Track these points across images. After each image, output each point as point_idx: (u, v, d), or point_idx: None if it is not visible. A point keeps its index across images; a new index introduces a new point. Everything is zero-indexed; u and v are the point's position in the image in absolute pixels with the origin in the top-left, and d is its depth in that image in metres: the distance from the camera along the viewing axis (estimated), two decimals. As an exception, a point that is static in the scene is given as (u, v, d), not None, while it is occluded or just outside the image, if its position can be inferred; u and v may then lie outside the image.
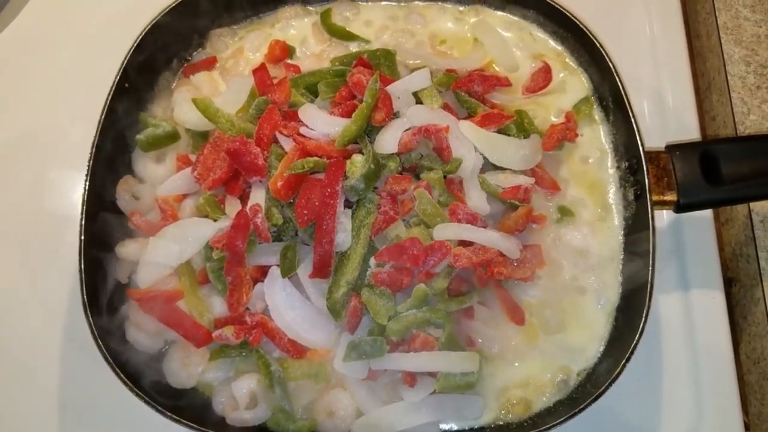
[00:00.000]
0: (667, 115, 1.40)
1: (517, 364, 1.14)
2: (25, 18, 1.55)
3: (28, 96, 1.47)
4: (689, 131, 1.39)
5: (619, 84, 1.20)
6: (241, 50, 1.36)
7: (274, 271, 1.09)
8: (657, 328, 1.23)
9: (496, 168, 1.18)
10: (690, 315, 1.25)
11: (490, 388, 1.12)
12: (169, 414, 1.01)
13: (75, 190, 1.37)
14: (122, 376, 1.03)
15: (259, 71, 1.23)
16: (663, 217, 1.31)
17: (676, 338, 1.24)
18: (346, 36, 1.36)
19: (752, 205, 1.32)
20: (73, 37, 1.52)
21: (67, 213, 1.35)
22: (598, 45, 1.25)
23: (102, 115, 1.19)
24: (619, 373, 1.03)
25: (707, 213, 1.33)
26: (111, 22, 1.50)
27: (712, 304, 1.26)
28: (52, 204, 1.38)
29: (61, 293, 1.29)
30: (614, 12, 1.49)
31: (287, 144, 1.13)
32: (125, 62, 1.23)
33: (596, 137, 1.28)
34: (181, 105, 1.26)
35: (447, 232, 1.09)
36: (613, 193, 1.24)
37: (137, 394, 1.02)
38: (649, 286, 1.07)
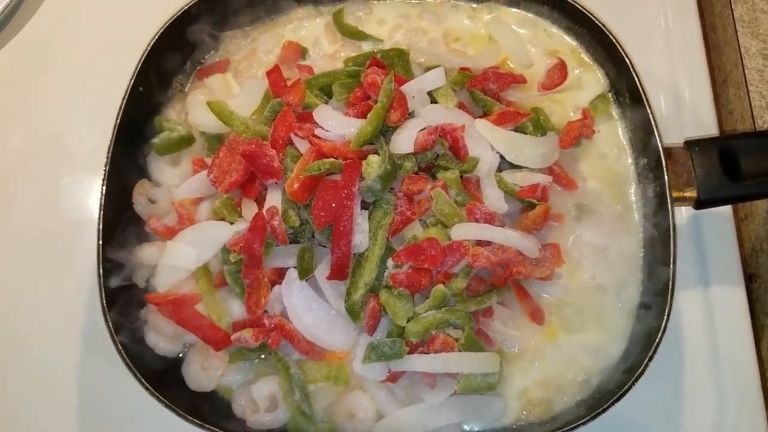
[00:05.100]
0: (683, 110, 1.38)
1: (537, 363, 1.13)
2: (36, 23, 1.55)
3: (41, 102, 1.47)
4: (707, 126, 1.37)
5: (636, 80, 1.19)
6: (254, 52, 1.36)
7: (292, 274, 1.09)
8: (677, 324, 1.22)
9: (513, 166, 1.17)
10: (710, 311, 1.24)
11: (511, 389, 1.11)
12: (190, 418, 1.01)
13: (91, 194, 1.38)
14: (143, 380, 1.03)
15: (273, 73, 1.23)
16: (682, 213, 1.29)
17: (696, 334, 1.22)
18: (359, 36, 1.35)
19: (772, 200, 1.30)
20: (86, 42, 1.52)
21: (83, 217, 1.35)
22: (613, 40, 1.23)
23: (117, 119, 1.18)
24: (642, 372, 1.02)
25: (727, 209, 1.31)
26: (123, 27, 1.50)
27: (733, 299, 1.25)
28: (69, 208, 1.38)
29: (79, 295, 1.29)
30: (629, 6, 1.47)
31: (302, 146, 1.13)
32: (138, 67, 1.23)
33: (614, 134, 1.26)
34: (195, 108, 1.25)
35: (465, 231, 1.08)
36: (632, 190, 1.22)
37: (158, 398, 1.02)
38: (670, 283, 1.06)
